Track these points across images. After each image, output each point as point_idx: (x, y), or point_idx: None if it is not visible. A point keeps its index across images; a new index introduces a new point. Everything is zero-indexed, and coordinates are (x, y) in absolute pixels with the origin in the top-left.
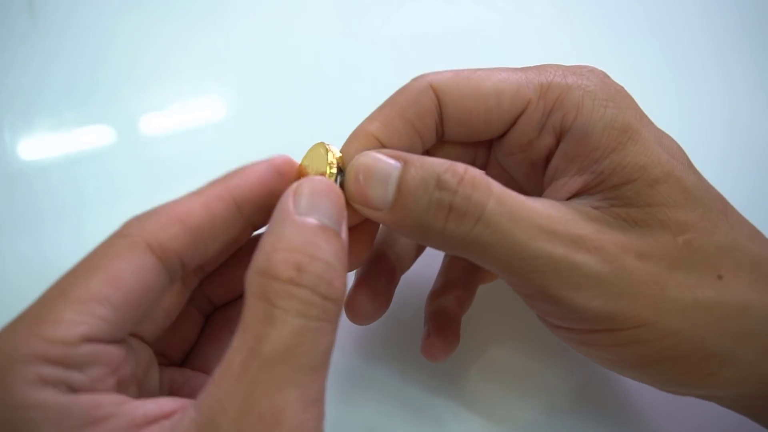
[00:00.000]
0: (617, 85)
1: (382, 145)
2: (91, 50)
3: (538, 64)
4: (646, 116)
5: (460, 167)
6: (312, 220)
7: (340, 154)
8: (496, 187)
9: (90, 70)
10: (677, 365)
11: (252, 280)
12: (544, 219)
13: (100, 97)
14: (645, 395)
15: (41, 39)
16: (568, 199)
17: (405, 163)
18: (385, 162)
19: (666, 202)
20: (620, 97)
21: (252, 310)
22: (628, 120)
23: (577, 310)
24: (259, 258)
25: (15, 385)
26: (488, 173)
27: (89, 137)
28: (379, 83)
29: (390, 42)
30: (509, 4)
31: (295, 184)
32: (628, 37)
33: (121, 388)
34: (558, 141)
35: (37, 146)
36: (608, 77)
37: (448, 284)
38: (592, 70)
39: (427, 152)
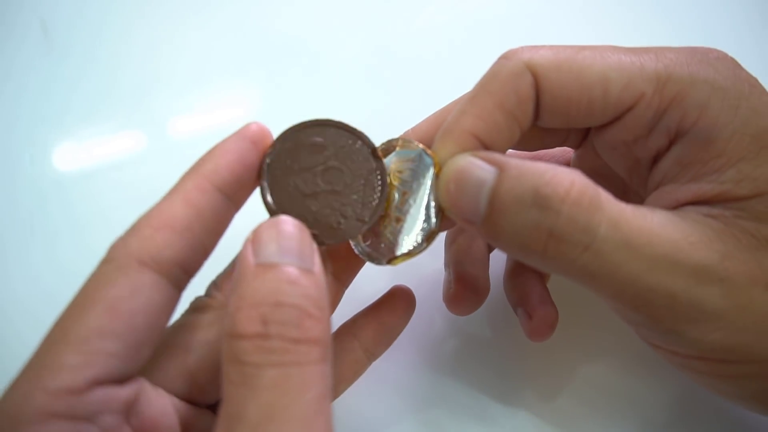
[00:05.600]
0: (751, 77)
1: (481, 144)
2: (107, 62)
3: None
4: None
5: (565, 178)
6: (273, 265)
7: (434, 157)
8: (608, 204)
9: (110, 82)
10: None
11: (224, 346)
12: (666, 246)
13: (126, 106)
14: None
15: (58, 58)
16: (676, 207)
17: (501, 170)
18: (480, 169)
19: None
20: (755, 94)
21: (228, 376)
22: (763, 124)
23: (690, 340)
24: (226, 321)
25: None
26: (580, 159)
27: (117, 146)
28: (420, 78)
29: (424, 34)
30: None
31: (251, 232)
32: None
33: None
34: (671, 143)
35: (66, 158)
36: (740, 67)
37: (522, 263)
38: (722, 58)
39: None
